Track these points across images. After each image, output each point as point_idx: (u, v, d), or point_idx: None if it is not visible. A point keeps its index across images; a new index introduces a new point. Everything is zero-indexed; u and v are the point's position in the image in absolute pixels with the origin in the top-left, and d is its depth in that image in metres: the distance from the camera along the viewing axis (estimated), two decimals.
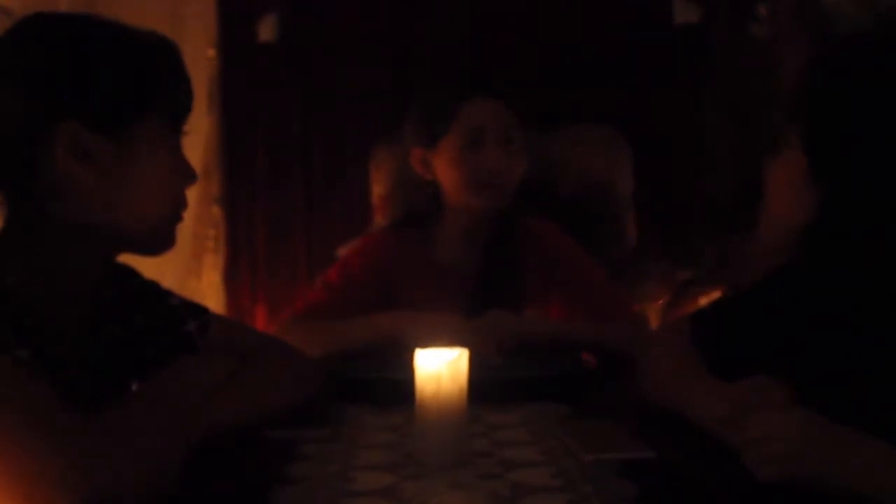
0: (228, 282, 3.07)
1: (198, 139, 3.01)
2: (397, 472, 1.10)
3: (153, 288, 1.35)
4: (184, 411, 1.11)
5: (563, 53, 2.97)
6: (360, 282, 1.91)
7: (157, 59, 1.16)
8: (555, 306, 1.94)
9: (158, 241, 1.20)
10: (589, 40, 2.95)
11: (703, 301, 2.35)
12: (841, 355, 1.18)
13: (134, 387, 1.23)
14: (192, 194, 2.95)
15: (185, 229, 2.91)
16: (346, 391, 1.47)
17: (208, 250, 3.05)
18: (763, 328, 1.30)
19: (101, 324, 1.22)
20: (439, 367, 1.12)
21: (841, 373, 1.17)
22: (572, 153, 2.67)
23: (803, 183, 1.19)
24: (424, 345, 1.15)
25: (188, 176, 1.21)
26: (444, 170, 1.86)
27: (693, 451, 1.17)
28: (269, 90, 3.07)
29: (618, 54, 2.96)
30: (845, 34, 2.49)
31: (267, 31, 2.98)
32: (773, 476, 1.03)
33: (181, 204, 1.21)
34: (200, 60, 3.02)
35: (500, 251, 1.89)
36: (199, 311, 1.38)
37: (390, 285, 1.91)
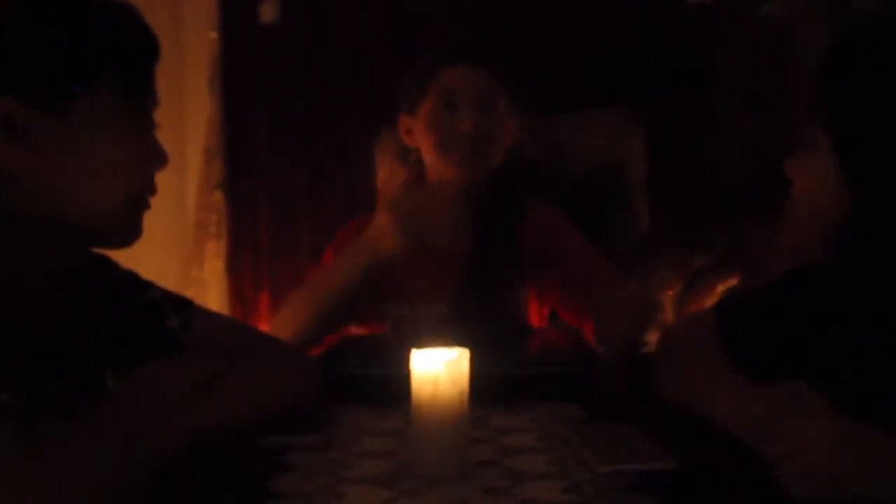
0: (231, 269, 2.93)
1: (199, 123, 2.88)
2: (392, 485, 0.98)
3: (131, 280, 1.21)
4: (155, 421, 0.99)
5: (571, 34, 2.82)
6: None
7: (106, 21, 1.00)
8: (548, 289, 1.82)
9: (119, 232, 1.06)
10: (598, 20, 2.82)
11: (720, 290, 2.22)
12: (882, 359, 1.06)
13: (109, 384, 1.11)
14: (193, 180, 2.90)
15: (187, 216, 2.88)
16: (342, 390, 1.35)
17: (210, 237, 2.91)
18: (798, 326, 1.17)
19: (71, 323, 1.09)
20: (437, 369, 1.00)
21: (882, 378, 1.05)
22: (581, 137, 2.53)
23: (833, 183, 1.09)
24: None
25: (156, 157, 1.07)
26: (422, 135, 1.80)
27: (719, 461, 1.05)
28: (273, 73, 2.91)
29: (629, 35, 2.80)
30: (866, 15, 2.36)
31: (269, 12, 2.86)
32: (808, 492, 0.91)
33: (147, 189, 1.06)
34: (202, 43, 2.87)
35: (491, 230, 1.78)
36: (182, 304, 1.25)
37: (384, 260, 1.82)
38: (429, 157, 1.80)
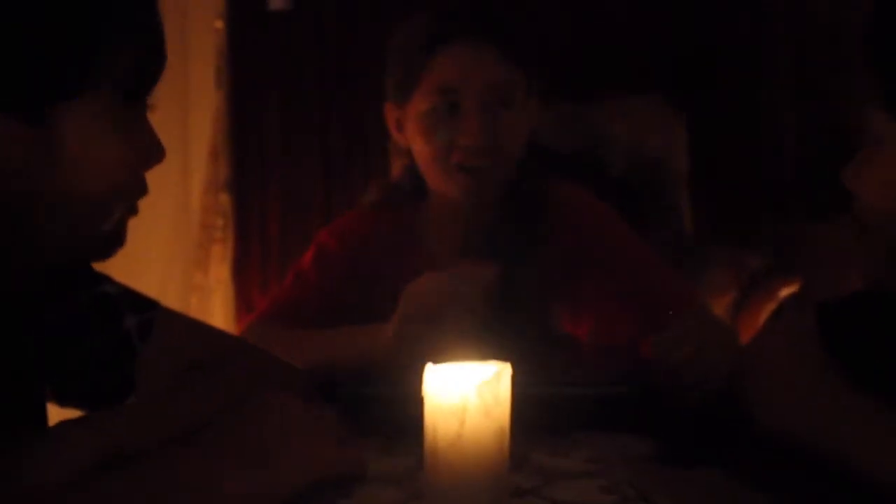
0: (238, 276, 2.68)
1: (204, 119, 2.65)
2: None
3: (84, 271, 0.98)
4: None
5: (607, 15, 2.58)
6: (338, 269, 1.43)
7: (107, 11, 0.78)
8: (590, 301, 1.43)
9: (100, 243, 0.84)
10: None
11: (784, 294, 1.89)
12: None
13: None
14: (198, 180, 2.63)
15: (190, 219, 2.59)
16: (337, 416, 1.01)
17: (216, 241, 2.65)
18: None
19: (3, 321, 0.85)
20: (465, 394, 0.66)
21: None
22: (620, 127, 2.33)
23: None
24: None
25: (152, 153, 0.84)
26: (414, 139, 1.37)
27: None
28: (282, 64, 2.69)
29: (669, 16, 2.56)
30: None
31: None
32: None
33: (136, 191, 0.84)
34: (208, 33, 2.65)
35: (509, 242, 1.38)
36: (143, 303, 1.01)
37: (376, 273, 1.44)
38: (423, 167, 1.38)
